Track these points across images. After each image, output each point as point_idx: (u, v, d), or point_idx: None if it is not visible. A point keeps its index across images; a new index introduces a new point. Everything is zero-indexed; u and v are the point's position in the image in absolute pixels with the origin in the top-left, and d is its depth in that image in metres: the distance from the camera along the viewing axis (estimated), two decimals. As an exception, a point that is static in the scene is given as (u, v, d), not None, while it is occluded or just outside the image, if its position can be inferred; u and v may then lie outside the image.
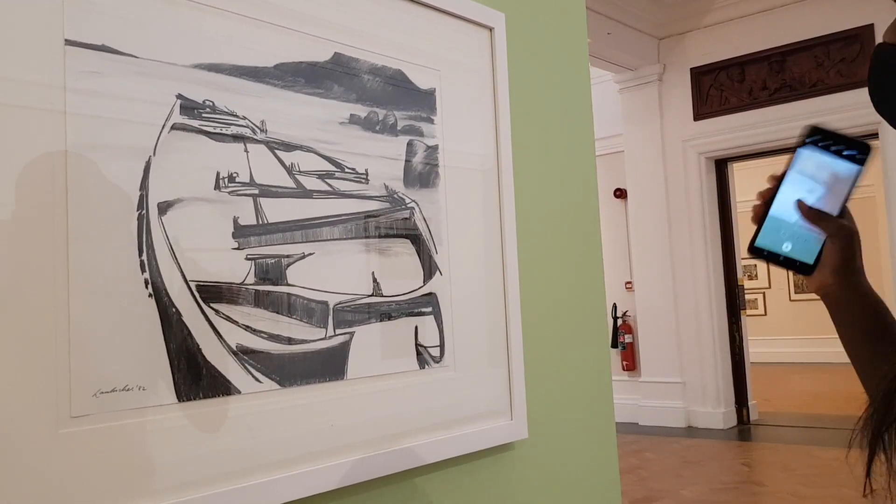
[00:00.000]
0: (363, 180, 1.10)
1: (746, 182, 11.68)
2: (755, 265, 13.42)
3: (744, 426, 7.78)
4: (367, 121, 1.12)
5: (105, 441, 0.81)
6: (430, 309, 1.18)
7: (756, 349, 9.76)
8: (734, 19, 7.15)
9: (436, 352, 1.19)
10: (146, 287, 0.86)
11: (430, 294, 1.19)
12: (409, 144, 1.18)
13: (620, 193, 8.14)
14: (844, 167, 0.79)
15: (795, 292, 13.33)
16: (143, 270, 0.86)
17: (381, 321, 1.11)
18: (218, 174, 0.94)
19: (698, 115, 7.49)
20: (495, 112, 1.34)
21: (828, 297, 0.85)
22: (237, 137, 0.96)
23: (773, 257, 0.82)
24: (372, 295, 1.10)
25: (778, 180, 0.82)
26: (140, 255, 0.86)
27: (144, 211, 0.86)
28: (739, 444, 7.10)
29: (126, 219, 0.85)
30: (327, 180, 1.06)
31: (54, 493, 0.77)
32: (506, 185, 1.33)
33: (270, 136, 0.99)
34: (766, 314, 13.64)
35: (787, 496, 5.14)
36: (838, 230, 0.81)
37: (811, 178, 0.80)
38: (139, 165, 0.86)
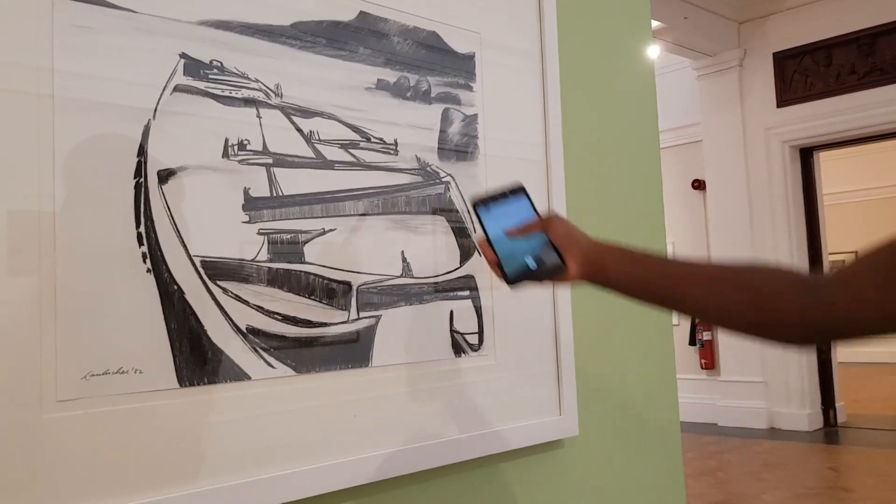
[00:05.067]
0: (392, 151, 1.01)
1: (834, 172, 11.18)
2: (843, 261, 12.83)
3: (830, 428, 7.43)
4: (397, 86, 1.03)
5: (95, 428, 0.75)
6: (466, 293, 1.09)
7: (844, 349, 9.33)
8: (819, 0, 6.81)
9: (473, 339, 1.09)
10: (144, 261, 0.79)
11: (467, 276, 1.09)
12: (445, 113, 1.08)
13: (699, 185, 7.86)
14: (515, 202, 0.94)
15: (888, 289, 12.69)
16: (140, 243, 0.79)
17: (410, 304, 1.02)
18: (227, 141, 0.86)
19: (782, 102, 7.17)
20: (543, 80, 1.23)
21: (604, 272, 0.89)
22: (248, 101, 0.88)
23: (530, 275, 0.89)
24: (401, 276, 1.01)
25: (484, 232, 0.92)
26: (137, 226, 0.79)
27: (142, 179, 0.79)
28: (825, 447, 6.78)
29: (121, 187, 0.78)
30: (351, 150, 0.97)
31: (37, 483, 0.71)
32: (554, 160, 1.22)
33: (286, 100, 0.91)
34: (855, 312, 13.03)
35: None
36: (547, 221, 0.91)
37: (500, 218, 0.92)
38: (136, 129, 0.79)
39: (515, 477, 1.16)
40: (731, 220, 7.45)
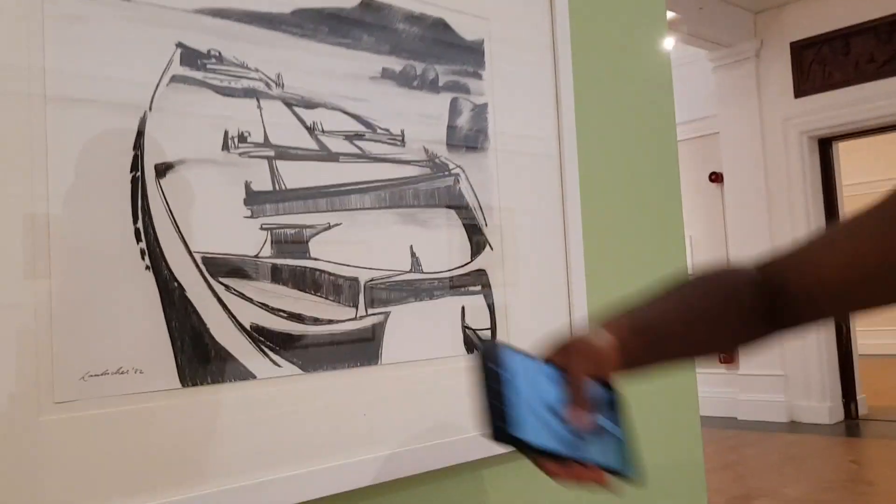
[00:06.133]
0: (398, 142, 0.98)
1: (853, 163, 11.03)
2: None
3: (851, 421, 7.35)
4: (403, 75, 1.00)
5: (95, 430, 0.72)
6: (478, 287, 1.06)
7: (864, 340, 9.22)
8: (837, -12, 6.73)
9: (486, 335, 1.06)
10: (143, 258, 0.76)
11: (478, 271, 1.06)
12: (454, 103, 1.05)
13: (716, 177, 7.79)
14: (519, 371, 0.63)
15: (909, 280, 12.57)
16: (138, 239, 0.76)
17: (420, 300, 0.99)
18: (226, 133, 0.83)
19: (799, 93, 7.07)
20: (555, 69, 1.20)
21: (624, 369, 0.71)
22: (248, 92, 0.85)
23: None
24: (410, 271, 0.98)
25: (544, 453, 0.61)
26: (135, 222, 0.76)
27: (139, 173, 0.77)
28: (847, 440, 6.70)
29: (118, 181, 0.75)
30: (356, 142, 0.94)
31: (35, 488, 0.68)
32: (567, 152, 1.19)
33: (288, 91, 0.89)
34: (876, 304, 12.89)
35: (901, 498, 4.78)
36: (567, 363, 0.67)
37: (534, 411, 0.62)
38: (132, 122, 0.77)
39: (528, 477, 1.13)
40: (749, 213, 7.38)
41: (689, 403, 1.43)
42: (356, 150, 0.94)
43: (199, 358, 0.79)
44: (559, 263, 1.17)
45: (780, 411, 7.42)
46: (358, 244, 0.93)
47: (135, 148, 0.77)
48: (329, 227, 0.91)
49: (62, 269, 0.71)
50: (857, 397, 7.47)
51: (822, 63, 6.96)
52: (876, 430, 7.05)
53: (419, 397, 0.98)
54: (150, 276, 0.77)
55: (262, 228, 0.85)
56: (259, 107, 0.86)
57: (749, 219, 7.38)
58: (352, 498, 0.92)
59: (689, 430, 1.42)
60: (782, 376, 7.42)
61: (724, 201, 7.70)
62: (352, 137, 0.94)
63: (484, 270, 1.07)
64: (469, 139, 1.06)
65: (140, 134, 0.77)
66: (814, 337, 7.19)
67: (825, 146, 7.26)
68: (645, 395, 1.33)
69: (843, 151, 7.69)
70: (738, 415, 7.55)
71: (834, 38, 6.82)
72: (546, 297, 1.15)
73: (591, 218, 1.27)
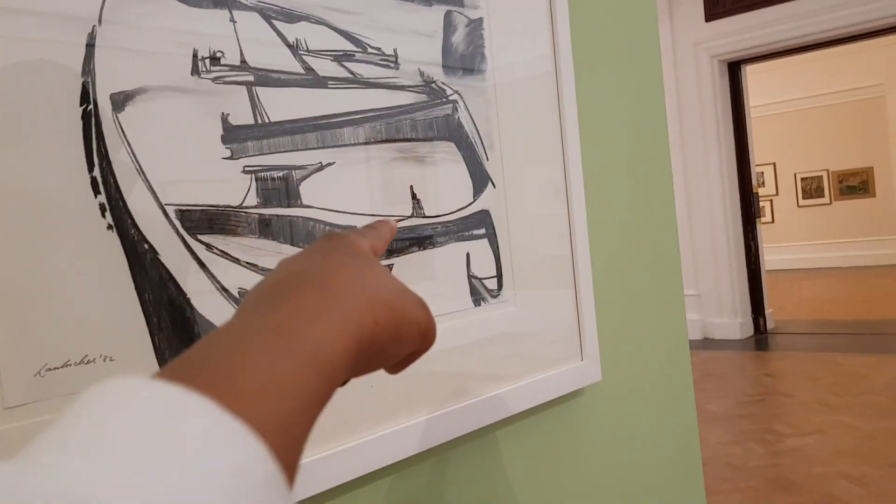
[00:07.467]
0: (392, 64, 0.83)
1: (759, 86, 11.29)
2: (762, 172, 13.14)
3: (761, 335, 7.69)
4: (393, -17, 0.83)
5: (59, 439, 0.56)
6: (482, 231, 0.92)
7: (766, 257, 9.60)
8: None
9: (492, 284, 0.94)
10: (103, 215, 0.60)
11: (482, 211, 0.93)
12: (448, 17, 0.90)
13: (629, 103, 7.80)
14: None
15: (803, 198, 13.13)
16: (96, 192, 0.59)
17: (424, 249, 0.85)
18: (195, 53, 0.66)
19: (710, 16, 7.11)
20: (548, -23, 1.05)
21: None
22: (219, 2, 0.68)
23: None
24: (412, 216, 0.84)
25: None
26: (90, 170, 0.59)
27: (91, 105, 0.59)
28: (758, 354, 6.99)
29: (65, 117, 0.58)
30: (345, 63, 0.78)
31: (-12, 522, 0.53)
32: (564, 71, 1.05)
33: (265, 0, 0.72)
34: (773, 221, 13.46)
35: (817, 406, 5.01)
36: None
37: None
38: (78, 41, 0.59)
39: (535, 435, 1.03)
40: (664, 137, 7.43)
41: (680, 343, 1.35)
42: (346, 74, 0.78)
43: (180, 336, 0.64)
44: (560, 197, 1.05)
45: (694, 329, 7.68)
46: (354, 187, 0.78)
47: (84, 74, 0.59)
48: (321, 168, 0.75)
49: (2, 238, 0.54)
50: (766, 312, 7.78)
51: (732, -15, 6.99)
52: (784, 342, 7.37)
53: (430, 361, 0.84)
54: (113, 237, 0.60)
55: (244, 171, 0.69)
56: (232, 20, 0.69)
57: (663, 143, 7.44)
58: (362, 483, 0.79)
59: (681, 360, 1.35)
60: (696, 296, 7.65)
61: (638, 127, 7.73)
62: (340, 58, 0.77)
63: (487, 211, 0.93)
64: (466, 60, 0.91)
65: (89, 55, 0.59)
66: (725, 255, 7.41)
67: (734, 69, 7.35)
68: (640, 336, 1.25)
69: (750, 74, 7.82)
70: (656, 336, 7.76)
71: (744, -41, 6.84)
72: (548, 235, 1.03)
73: (589, 146, 1.15)
